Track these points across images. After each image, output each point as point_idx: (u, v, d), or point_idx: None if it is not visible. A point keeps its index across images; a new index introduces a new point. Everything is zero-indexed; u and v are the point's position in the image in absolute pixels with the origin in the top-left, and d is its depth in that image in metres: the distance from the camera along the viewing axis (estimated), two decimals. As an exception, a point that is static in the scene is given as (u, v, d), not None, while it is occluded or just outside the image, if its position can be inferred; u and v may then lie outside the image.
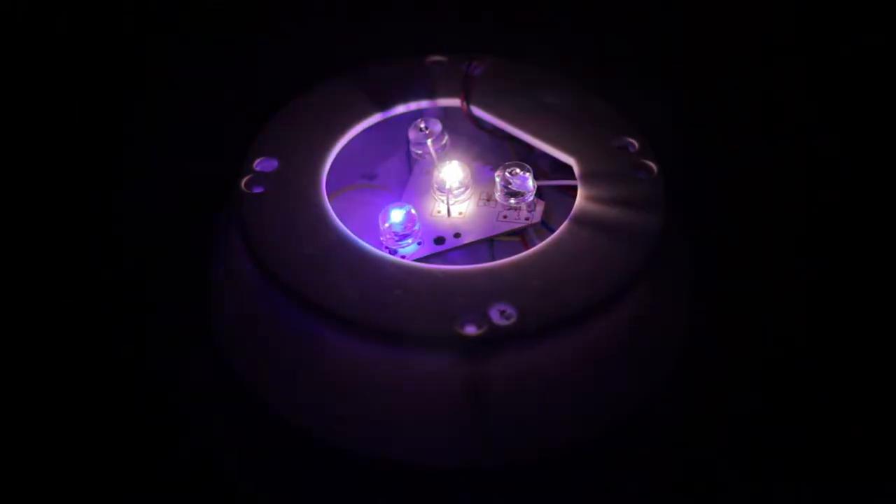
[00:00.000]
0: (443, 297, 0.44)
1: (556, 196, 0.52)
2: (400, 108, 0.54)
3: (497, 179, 0.51)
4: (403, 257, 0.49)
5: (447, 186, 0.51)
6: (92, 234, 0.59)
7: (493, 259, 0.48)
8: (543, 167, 0.53)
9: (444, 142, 0.54)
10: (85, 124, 0.65)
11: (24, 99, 0.66)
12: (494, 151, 0.55)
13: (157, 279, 0.56)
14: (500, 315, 0.43)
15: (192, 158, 0.62)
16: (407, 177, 0.55)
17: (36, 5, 0.69)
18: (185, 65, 0.68)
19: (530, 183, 0.50)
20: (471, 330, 0.43)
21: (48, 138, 0.64)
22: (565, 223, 0.47)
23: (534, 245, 0.47)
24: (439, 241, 0.51)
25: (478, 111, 0.54)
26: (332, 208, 0.49)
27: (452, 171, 0.52)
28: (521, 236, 0.50)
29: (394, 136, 0.55)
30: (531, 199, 0.51)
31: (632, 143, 0.51)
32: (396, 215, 0.50)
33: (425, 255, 0.50)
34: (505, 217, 0.51)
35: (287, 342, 0.48)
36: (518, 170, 0.50)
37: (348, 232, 0.48)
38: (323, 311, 0.44)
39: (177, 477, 0.49)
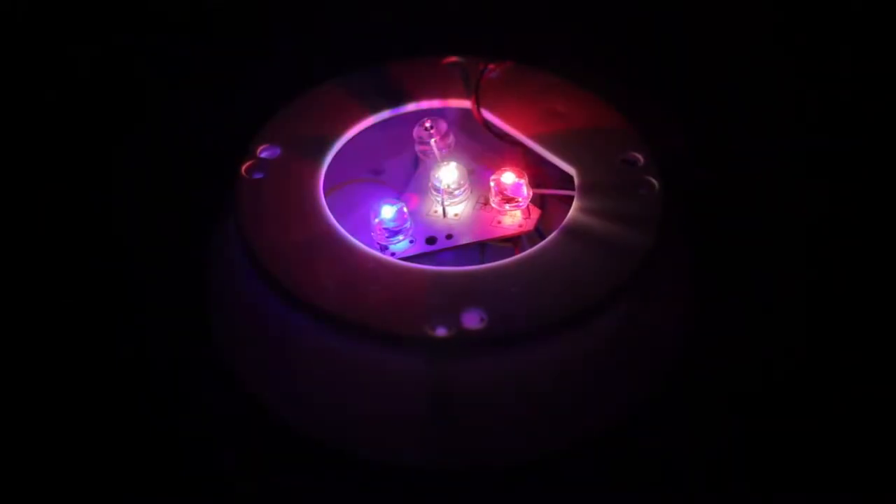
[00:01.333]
0: (418, 296, 0.44)
1: (560, 206, 0.51)
2: (411, 107, 0.54)
3: (492, 184, 0.50)
4: (393, 254, 0.49)
5: (442, 187, 0.51)
6: (92, 234, 0.59)
7: (483, 263, 0.47)
8: (554, 176, 0.53)
9: (449, 142, 0.54)
10: (84, 125, 0.65)
11: (24, 98, 0.66)
12: (502, 156, 0.54)
13: (157, 279, 0.56)
14: (472, 319, 0.43)
15: (197, 156, 0.62)
16: (412, 175, 0.55)
17: (36, 5, 0.69)
18: (200, 61, 0.68)
19: (525, 190, 0.50)
20: (441, 332, 0.43)
21: (48, 138, 0.64)
22: (553, 233, 0.47)
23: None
24: (431, 240, 0.51)
25: (489, 115, 0.53)
26: (335, 200, 0.49)
27: (448, 173, 0.52)
28: (514, 243, 0.50)
29: (405, 133, 0.55)
30: (526, 206, 0.50)
31: (638, 158, 0.50)
32: (387, 211, 0.50)
33: (415, 253, 0.50)
34: (499, 222, 0.51)
35: (268, 330, 0.49)
36: (513, 176, 0.50)
37: (335, 224, 0.48)
38: (296, 299, 0.45)
39: (177, 477, 0.49)
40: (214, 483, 0.49)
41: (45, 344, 0.54)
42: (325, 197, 0.51)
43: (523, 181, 0.50)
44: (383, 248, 0.50)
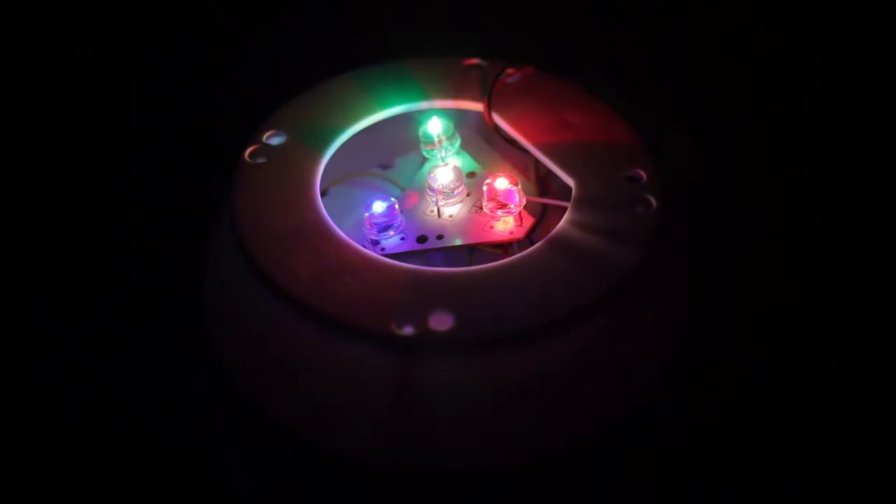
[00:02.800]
0: (391, 293, 0.44)
1: (560, 217, 0.50)
2: (424, 105, 0.54)
3: (485, 189, 0.50)
4: (383, 249, 0.49)
5: (436, 186, 0.51)
6: (92, 234, 0.59)
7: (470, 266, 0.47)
8: (563, 186, 0.52)
9: (455, 143, 0.54)
10: (84, 125, 0.65)
11: (24, 98, 0.66)
12: (510, 161, 0.54)
13: (157, 279, 0.56)
14: (439, 321, 0.43)
15: (198, 156, 0.62)
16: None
17: (36, 4, 0.69)
18: (202, 60, 0.69)
19: (517, 197, 0.50)
20: (407, 330, 0.43)
21: (48, 138, 0.64)
22: (539, 243, 0.46)
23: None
24: (421, 239, 0.51)
25: (500, 119, 0.53)
26: (340, 193, 0.49)
27: (443, 173, 0.51)
28: (504, 249, 0.50)
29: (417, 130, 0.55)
30: (518, 213, 0.50)
31: (641, 175, 0.49)
32: (378, 206, 0.50)
33: (404, 250, 0.50)
34: (491, 227, 0.51)
35: (253, 318, 0.48)
36: (506, 182, 0.50)
37: (323, 212, 0.48)
38: (270, 284, 0.45)
39: (176, 477, 0.49)
40: (214, 483, 0.49)
41: (45, 343, 0.54)
42: (330, 188, 0.51)
43: (516, 188, 0.50)
44: (374, 243, 0.50)
